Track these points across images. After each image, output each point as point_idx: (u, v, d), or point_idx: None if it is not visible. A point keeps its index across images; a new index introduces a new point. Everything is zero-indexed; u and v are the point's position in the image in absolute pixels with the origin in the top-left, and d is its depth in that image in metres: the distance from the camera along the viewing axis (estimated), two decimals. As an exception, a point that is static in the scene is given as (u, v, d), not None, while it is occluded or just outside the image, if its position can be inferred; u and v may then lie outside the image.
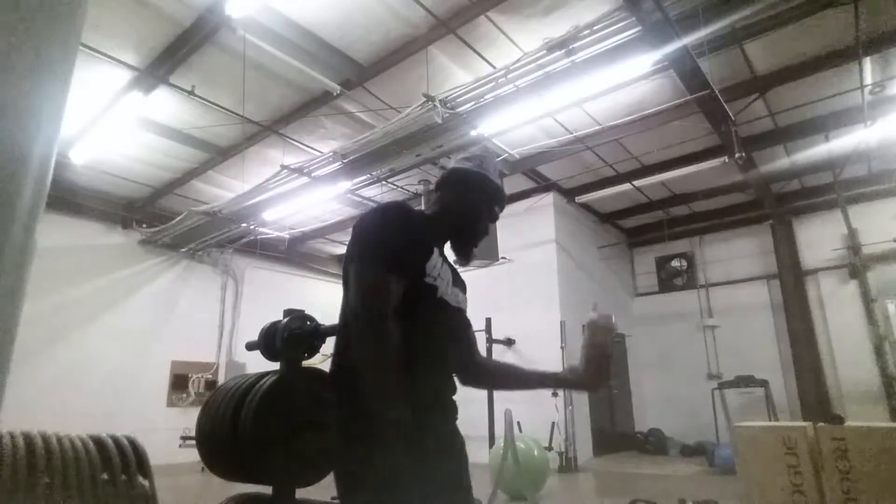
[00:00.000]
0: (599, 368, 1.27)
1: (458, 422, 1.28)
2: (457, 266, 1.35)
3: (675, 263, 9.73)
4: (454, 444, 1.23)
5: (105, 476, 0.72)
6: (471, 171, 1.32)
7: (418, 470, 1.01)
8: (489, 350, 7.40)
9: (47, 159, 0.87)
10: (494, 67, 4.93)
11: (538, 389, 1.43)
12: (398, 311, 1.08)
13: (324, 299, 6.81)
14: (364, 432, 1.05)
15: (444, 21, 4.56)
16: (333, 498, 1.20)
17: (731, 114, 5.06)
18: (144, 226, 8.48)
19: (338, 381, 1.16)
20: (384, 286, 1.09)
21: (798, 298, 8.19)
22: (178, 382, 8.67)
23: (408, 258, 1.14)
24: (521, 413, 5.60)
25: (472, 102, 4.89)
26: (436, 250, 1.21)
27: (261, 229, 8.07)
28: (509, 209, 8.21)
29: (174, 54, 4.92)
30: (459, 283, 1.34)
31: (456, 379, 1.32)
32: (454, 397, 1.26)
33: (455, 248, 1.33)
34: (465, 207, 1.31)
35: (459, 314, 1.29)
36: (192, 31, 4.70)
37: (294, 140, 6.40)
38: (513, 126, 5.43)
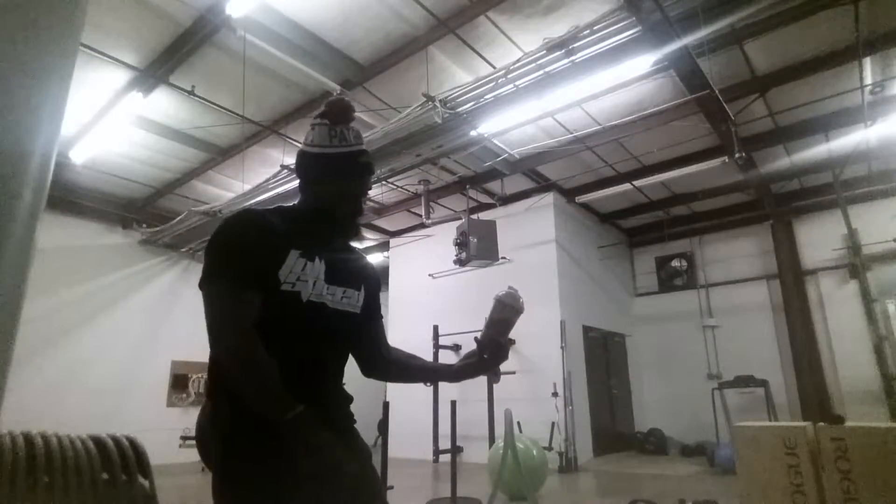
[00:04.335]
0: (498, 346, 1.22)
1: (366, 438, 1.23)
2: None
3: (675, 263, 9.72)
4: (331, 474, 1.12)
5: (105, 476, 0.72)
6: (311, 149, 1.19)
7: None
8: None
9: (47, 159, 0.87)
10: (494, 67, 4.92)
11: (440, 381, 1.33)
12: (262, 326, 1.02)
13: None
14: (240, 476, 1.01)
15: (444, 21, 4.56)
16: None
17: (731, 114, 5.06)
18: (144, 226, 8.49)
19: (213, 423, 1.07)
20: (235, 305, 1.01)
21: (798, 298, 8.19)
22: (178, 382, 8.68)
23: (256, 268, 1.05)
24: (521, 413, 5.61)
25: (472, 102, 4.88)
26: (293, 252, 1.09)
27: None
28: (509, 209, 8.26)
29: (174, 54, 4.92)
30: (351, 278, 1.21)
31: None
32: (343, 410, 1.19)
33: (333, 233, 1.22)
34: (317, 188, 1.19)
35: (339, 316, 1.16)
36: (192, 31, 4.70)
37: (294, 140, 6.40)
38: (513, 126, 5.43)
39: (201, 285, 1.06)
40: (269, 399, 0.99)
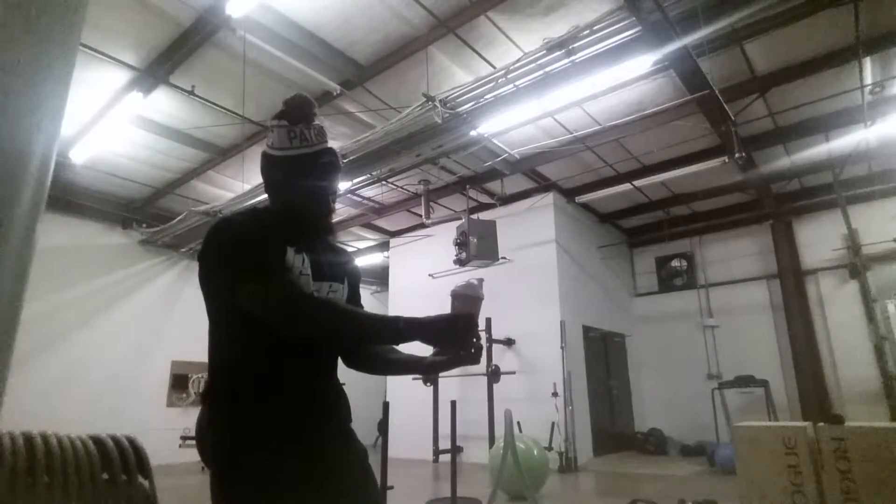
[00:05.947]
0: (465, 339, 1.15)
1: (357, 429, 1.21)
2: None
3: (675, 263, 9.73)
4: (327, 464, 1.08)
5: (105, 476, 0.72)
6: (272, 152, 1.17)
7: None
8: (489, 350, 7.40)
9: (47, 159, 0.87)
10: (494, 67, 4.92)
11: (414, 374, 1.33)
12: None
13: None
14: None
15: (444, 21, 4.56)
16: None
17: (731, 114, 5.06)
18: (144, 226, 8.49)
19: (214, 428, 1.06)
20: (290, 280, 1.06)
21: (798, 298, 8.19)
22: (178, 382, 8.68)
23: (281, 258, 1.09)
24: (521, 413, 5.61)
25: (472, 102, 4.88)
26: (289, 249, 1.12)
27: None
28: (509, 209, 8.26)
29: (174, 54, 4.92)
30: (334, 271, 1.23)
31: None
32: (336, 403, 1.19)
33: (306, 233, 1.20)
34: (283, 192, 1.18)
35: None
36: (192, 31, 4.70)
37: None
38: (513, 126, 5.43)
39: (241, 285, 1.02)
40: (382, 322, 1.02)
